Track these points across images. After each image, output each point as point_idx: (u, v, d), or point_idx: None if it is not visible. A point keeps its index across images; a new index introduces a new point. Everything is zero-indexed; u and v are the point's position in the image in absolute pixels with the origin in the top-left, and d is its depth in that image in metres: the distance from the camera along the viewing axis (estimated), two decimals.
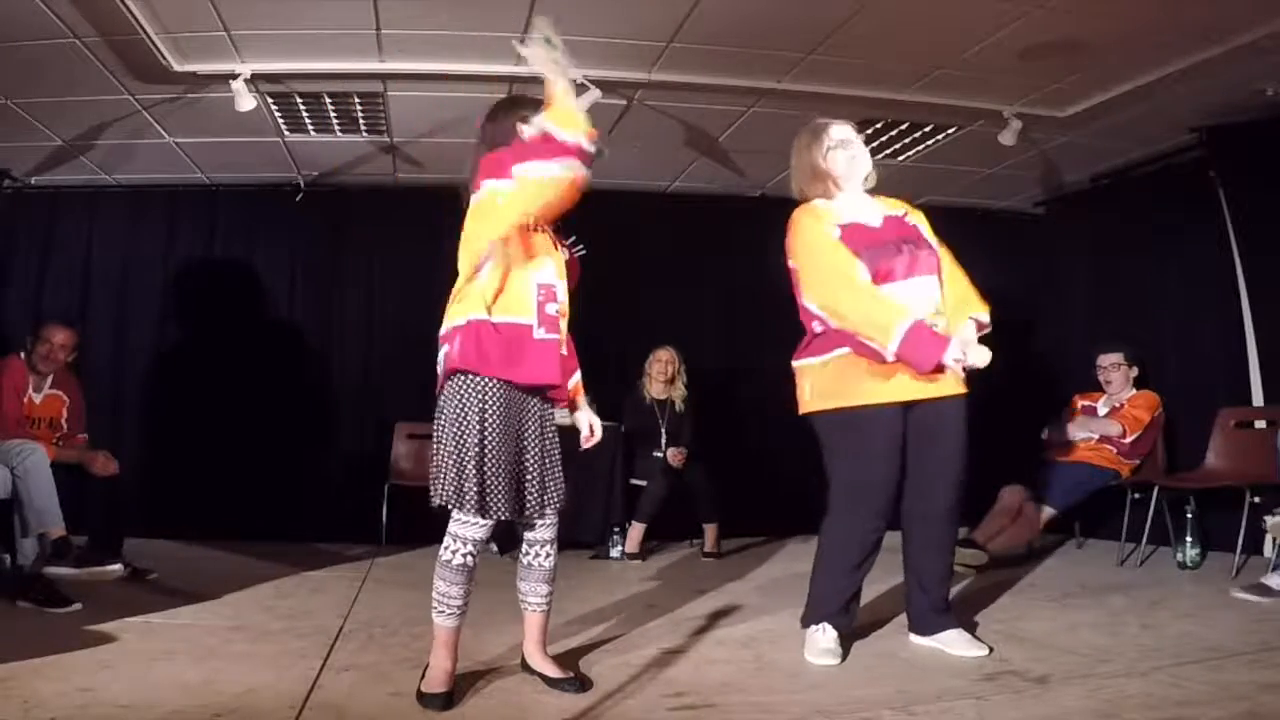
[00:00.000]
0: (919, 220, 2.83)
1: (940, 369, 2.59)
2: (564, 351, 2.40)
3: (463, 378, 2.26)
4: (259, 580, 3.81)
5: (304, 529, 5.00)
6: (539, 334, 2.30)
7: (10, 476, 3.41)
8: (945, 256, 2.79)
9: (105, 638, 2.77)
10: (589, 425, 2.57)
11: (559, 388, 2.38)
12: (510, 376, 2.27)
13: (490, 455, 2.24)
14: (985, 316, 2.76)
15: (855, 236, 2.70)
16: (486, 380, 2.25)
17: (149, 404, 5.31)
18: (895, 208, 2.83)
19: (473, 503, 2.23)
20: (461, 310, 2.29)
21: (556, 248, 2.43)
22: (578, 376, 2.56)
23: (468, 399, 2.26)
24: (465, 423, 2.25)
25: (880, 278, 2.64)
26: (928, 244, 2.76)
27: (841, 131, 2.77)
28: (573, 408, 2.58)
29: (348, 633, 2.97)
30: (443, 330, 2.34)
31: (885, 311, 2.58)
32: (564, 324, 2.40)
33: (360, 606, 3.42)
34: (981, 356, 2.61)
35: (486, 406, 2.25)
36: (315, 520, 5.07)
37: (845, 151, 2.74)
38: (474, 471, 2.23)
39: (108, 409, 5.02)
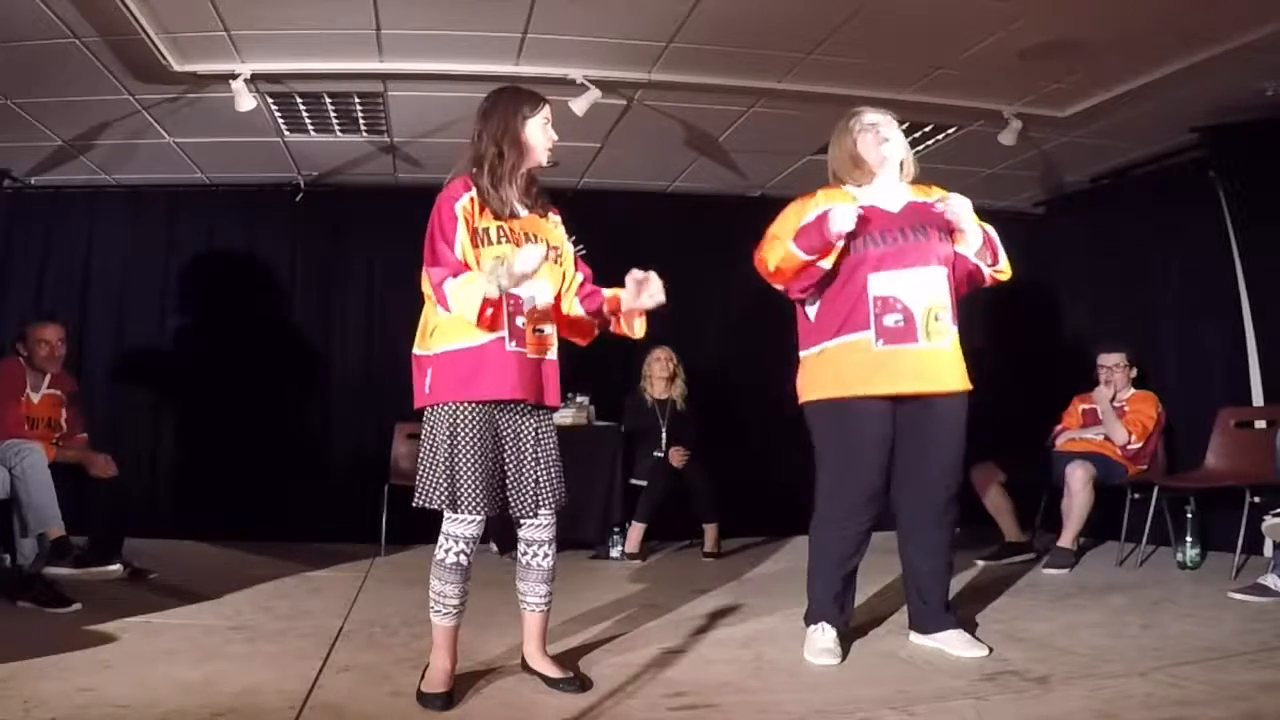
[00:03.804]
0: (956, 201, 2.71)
1: (831, 241, 2.57)
2: (548, 356, 2.41)
3: (433, 409, 2.34)
4: (259, 580, 3.81)
5: (304, 529, 4.99)
6: (510, 347, 2.31)
7: (9, 477, 3.41)
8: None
9: (105, 638, 2.77)
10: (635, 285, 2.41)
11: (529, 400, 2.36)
12: (476, 396, 2.30)
13: (462, 456, 2.28)
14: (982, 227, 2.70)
15: (864, 218, 2.66)
16: (455, 406, 2.30)
17: (149, 404, 5.31)
18: (927, 194, 2.75)
19: (444, 498, 2.27)
20: (429, 344, 2.36)
21: (533, 238, 2.38)
22: (606, 295, 2.49)
23: (438, 423, 2.33)
24: (437, 441, 2.32)
25: (872, 265, 2.63)
26: (945, 232, 2.68)
27: (873, 117, 2.75)
28: (622, 311, 2.47)
29: (348, 633, 2.97)
30: (415, 350, 2.41)
31: (782, 233, 2.68)
32: (548, 331, 2.40)
33: (360, 606, 3.42)
34: (954, 205, 2.61)
35: (456, 424, 2.30)
36: (315, 520, 5.06)
37: (873, 135, 2.71)
38: (445, 471, 2.27)
39: (107, 409, 5.02)
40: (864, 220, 2.63)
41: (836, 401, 2.67)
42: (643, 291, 2.40)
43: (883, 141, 2.71)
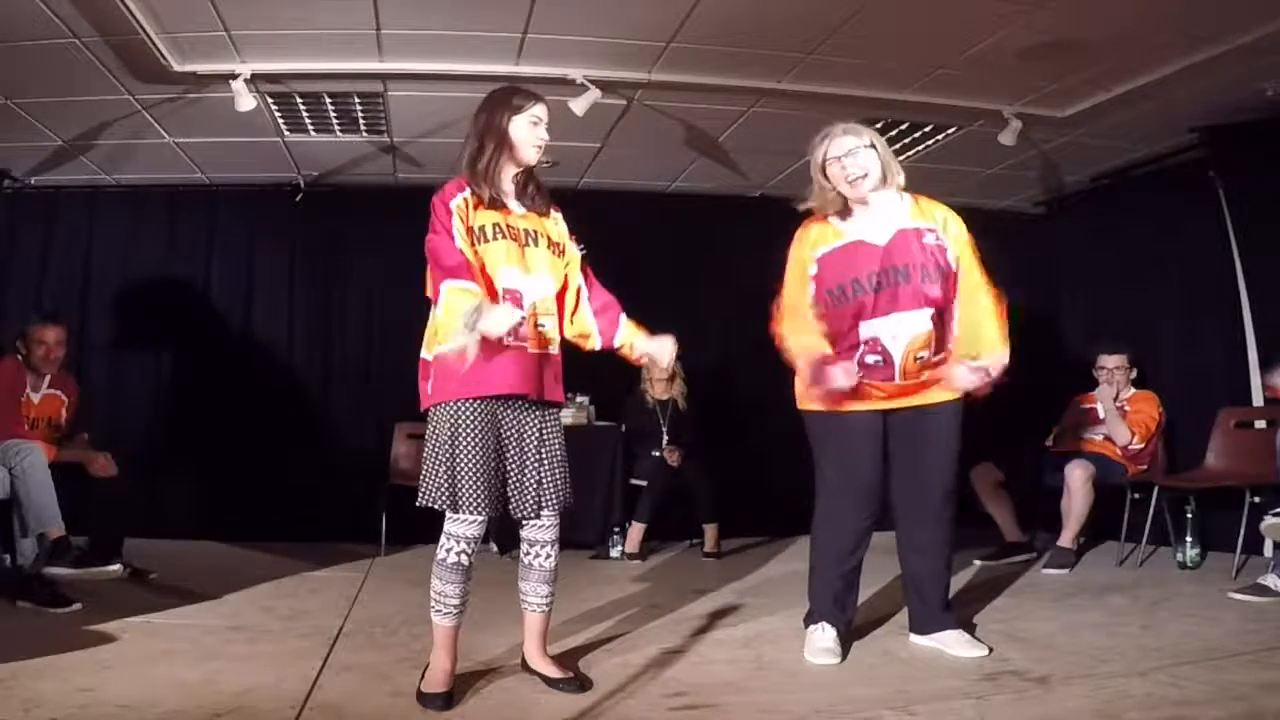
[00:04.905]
0: (952, 237, 2.68)
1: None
2: (550, 351, 2.41)
3: (435, 409, 2.35)
4: (259, 580, 3.81)
5: (304, 529, 4.99)
6: (507, 341, 2.30)
7: (9, 477, 3.41)
8: (968, 283, 2.65)
9: (105, 638, 2.77)
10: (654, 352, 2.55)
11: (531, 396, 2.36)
12: (477, 393, 2.30)
13: (463, 457, 2.28)
14: (987, 361, 2.58)
15: (848, 258, 2.66)
16: (458, 404, 2.30)
17: (149, 404, 5.31)
18: (924, 219, 2.69)
19: (445, 498, 2.28)
20: (430, 345, 2.36)
21: (530, 244, 2.40)
22: (624, 332, 2.55)
23: (441, 423, 2.33)
24: (439, 441, 2.32)
25: (857, 314, 2.64)
26: (932, 272, 2.62)
27: (839, 146, 2.67)
28: (637, 356, 2.59)
29: (348, 633, 2.97)
30: (422, 354, 2.42)
31: (802, 345, 2.64)
32: (547, 325, 2.40)
33: (360, 606, 3.42)
34: (957, 380, 2.60)
35: (459, 424, 2.30)
36: (315, 520, 5.07)
37: (839, 170, 2.66)
38: (446, 471, 2.28)
39: (107, 409, 5.02)
40: (852, 264, 2.65)
41: (828, 414, 2.71)
42: (660, 359, 2.55)
43: (852, 178, 2.65)
